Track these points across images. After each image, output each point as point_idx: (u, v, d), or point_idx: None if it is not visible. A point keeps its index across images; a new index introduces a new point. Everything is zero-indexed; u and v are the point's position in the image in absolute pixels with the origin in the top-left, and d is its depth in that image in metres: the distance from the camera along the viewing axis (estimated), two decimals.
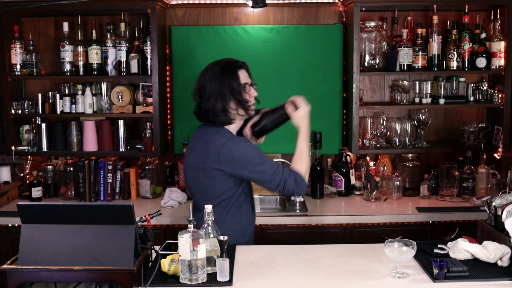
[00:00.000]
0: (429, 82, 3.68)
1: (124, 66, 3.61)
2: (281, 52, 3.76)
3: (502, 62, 3.57)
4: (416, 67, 3.61)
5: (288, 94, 3.78)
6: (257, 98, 2.58)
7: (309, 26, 3.79)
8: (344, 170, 3.70)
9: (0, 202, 3.58)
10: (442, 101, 3.65)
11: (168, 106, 3.83)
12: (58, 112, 3.66)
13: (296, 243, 2.68)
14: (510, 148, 3.59)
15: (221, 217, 2.50)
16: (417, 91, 3.70)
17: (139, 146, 3.72)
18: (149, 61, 3.59)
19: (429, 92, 3.68)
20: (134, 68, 3.59)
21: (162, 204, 3.55)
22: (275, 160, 3.55)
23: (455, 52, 3.57)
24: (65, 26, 3.64)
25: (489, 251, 2.24)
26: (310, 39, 3.75)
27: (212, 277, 2.12)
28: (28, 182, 3.77)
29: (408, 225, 3.32)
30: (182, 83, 3.77)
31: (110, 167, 3.68)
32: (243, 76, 2.51)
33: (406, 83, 3.68)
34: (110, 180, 3.69)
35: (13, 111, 3.67)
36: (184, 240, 2.02)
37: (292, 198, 3.49)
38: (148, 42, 3.57)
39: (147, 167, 3.76)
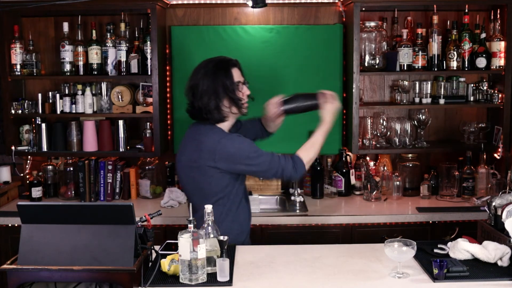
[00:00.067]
0: (429, 82, 3.68)
1: (124, 66, 3.61)
2: (281, 52, 3.76)
3: (502, 62, 3.57)
4: (416, 67, 3.61)
5: (287, 94, 3.80)
6: (250, 96, 2.59)
7: (309, 26, 3.79)
8: (344, 170, 3.70)
9: (0, 202, 3.58)
10: (442, 101, 3.65)
11: (168, 106, 3.83)
12: (58, 112, 3.66)
13: (296, 243, 2.68)
14: (510, 148, 3.59)
15: (221, 216, 2.51)
16: (417, 91, 3.70)
17: (139, 146, 3.72)
18: (149, 61, 3.59)
19: (429, 92, 3.68)
20: (134, 68, 3.59)
21: (162, 204, 3.55)
22: None
23: (455, 52, 3.57)
24: (65, 26, 3.64)
25: (489, 251, 2.24)
26: (310, 39, 3.75)
27: (212, 277, 2.12)
28: (28, 182, 3.77)
29: (408, 225, 3.32)
30: (182, 83, 3.72)
31: (110, 167, 3.68)
32: (236, 74, 2.52)
33: (406, 83, 3.68)
34: (110, 180, 3.69)
35: (13, 111, 3.67)
36: (184, 240, 2.02)
37: (291, 193, 3.50)
38: (148, 42, 3.57)
39: (147, 167, 3.76)
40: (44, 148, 3.68)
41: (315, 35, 3.75)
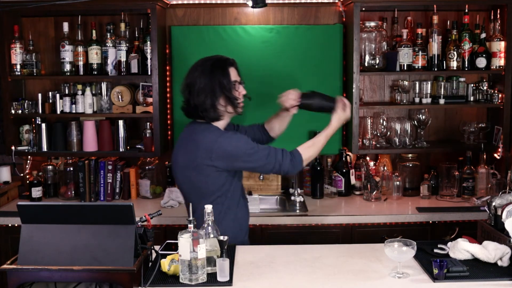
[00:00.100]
0: (429, 82, 3.68)
1: (124, 66, 3.61)
2: (281, 52, 3.76)
3: (502, 62, 3.57)
4: (416, 67, 3.61)
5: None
6: (246, 95, 2.61)
7: (309, 26, 3.79)
8: (344, 170, 3.70)
9: (0, 202, 3.58)
10: (442, 101, 3.65)
11: (168, 106, 3.82)
12: (58, 112, 3.66)
13: (296, 243, 2.68)
14: (510, 148, 3.59)
15: (220, 215, 2.51)
16: (417, 91, 3.70)
17: (139, 146, 3.72)
18: (149, 61, 3.59)
19: (429, 92, 3.68)
20: (134, 68, 3.59)
21: (162, 204, 3.55)
22: None
23: (455, 52, 3.57)
24: (65, 26, 3.64)
25: (489, 251, 2.24)
26: (310, 39, 3.75)
27: (212, 277, 2.12)
28: (28, 182, 3.77)
29: (408, 225, 3.32)
30: None
31: (110, 167, 3.68)
32: (233, 74, 2.53)
33: (406, 83, 3.68)
34: (110, 180, 3.69)
35: (13, 111, 3.67)
36: (184, 240, 2.02)
37: (291, 193, 3.50)
38: (148, 42, 3.57)
39: (147, 167, 3.76)
40: (44, 148, 3.68)
41: (315, 35, 3.75)
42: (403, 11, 3.78)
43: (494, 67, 3.59)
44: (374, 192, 3.59)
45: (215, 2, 3.79)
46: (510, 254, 2.22)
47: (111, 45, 3.62)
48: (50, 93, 3.71)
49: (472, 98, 3.74)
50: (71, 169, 3.72)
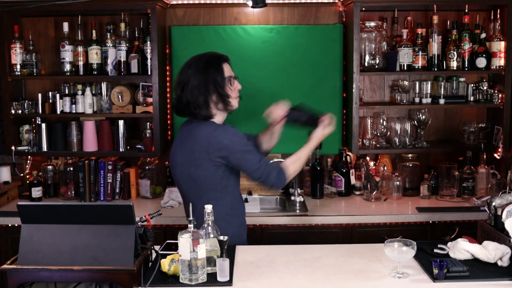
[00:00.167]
0: (429, 82, 3.68)
1: (124, 66, 3.61)
2: (281, 52, 3.76)
3: (502, 62, 3.57)
4: (416, 67, 3.61)
5: (288, 94, 3.79)
6: (240, 91, 2.60)
7: (309, 26, 3.79)
8: (344, 170, 3.70)
9: (0, 202, 3.58)
10: (442, 101, 3.65)
11: (168, 106, 3.82)
12: (58, 112, 3.66)
13: (296, 243, 2.68)
14: (510, 148, 3.59)
15: (221, 211, 2.50)
16: (417, 91, 3.70)
17: (139, 146, 3.72)
18: (149, 61, 3.59)
19: (429, 92, 3.68)
20: (134, 68, 3.59)
21: (162, 204, 3.55)
22: (275, 160, 3.55)
23: (455, 52, 3.57)
24: (65, 26, 3.64)
25: (489, 251, 2.24)
26: (310, 39, 3.75)
27: (212, 277, 2.12)
28: (28, 182, 3.77)
29: (408, 225, 3.32)
30: None
31: (110, 167, 3.68)
32: (227, 70, 2.54)
33: (406, 83, 3.68)
34: (110, 180, 3.69)
35: (13, 111, 3.67)
36: (184, 240, 2.02)
37: (291, 193, 3.49)
38: (148, 42, 3.57)
39: (147, 167, 3.76)
40: (44, 148, 3.68)
41: (315, 35, 3.75)
42: (403, 11, 3.78)
43: (494, 67, 3.59)
44: (374, 192, 3.59)
45: (215, 2, 3.79)
46: (510, 254, 2.22)
47: (111, 45, 3.62)
48: (50, 93, 3.71)
49: (472, 98, 3.74)
50: (71, 169, 3.72)
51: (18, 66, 3.65)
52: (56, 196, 3.79)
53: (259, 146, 2.88)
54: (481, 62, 3.57)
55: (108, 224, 2.04)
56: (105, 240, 2.02)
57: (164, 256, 2.19)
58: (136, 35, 3.69)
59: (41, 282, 2.12)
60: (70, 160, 3.75)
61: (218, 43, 3.71)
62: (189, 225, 2.07)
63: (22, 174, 3.85)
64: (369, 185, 3.61)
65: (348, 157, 3.75)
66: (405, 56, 3.58)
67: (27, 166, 3.89)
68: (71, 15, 3.72)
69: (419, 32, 3.62)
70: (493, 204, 2.46)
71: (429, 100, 3.67)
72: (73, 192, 3.72)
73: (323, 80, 3.77)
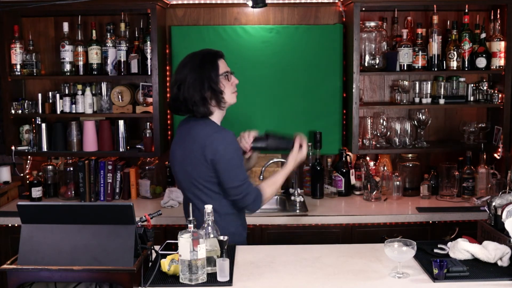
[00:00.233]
0: (429, 82, 3.68)
1: (124, 66, 3.61)
2: (281, 52, 3.76)
3: (502, 62, 3.57)
4: (416, 67, 3.61)
5: (288, 94, 3.80)
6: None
7: (309, 26, 3.79)
8: (344, 170, 3.70)
9: (0, 202, 3.58)
10: (442, 101, 3.65)
11: (167, 104, 3.82)
12: (58, 112, 3.67)
13: (296, 243, 2.68)
14: (510, 148, 3.59)
15: (222, 210, 2.49)
16: (417, 91, 3.70)
17: (139, 146, 3.72)
18: (149, 61, 3.59)
19: (429, 92, 3.68)
20: (134, 68, 3.59)
21: (162, 204, 3.55)
22: (275, 160, 3.55)
23: (455, 52, 3.57)
24: (65, 26, 3.64)
25: (489, 251, 2.24)
26: (310, 39, 3.75)
27: (212, 277, 2.12)
28: (28, 182, 3.77)
29: (408, 225, 3.32)
30: None
31: (110, 167, 3.68)
32: (222, 66, 2.53)
33: (406, 83, 3.68)
34: (110, 180, 3.69)
35: (13, 111, 3.67)
36: (184, 240, 2.02)
37: (291, 193, 3.49)
38: (148, 42, 3.57)
39: (147, 167, 3.76)
40: (44, 148, 3.68)
41: (315, 35, 3.75)
42: (403, 11, 3.78)
43: (494, 67, 3.59)
44: (374, 192, 3.59)
45: (215, 2, 3.79)
46: (510, 254, 2.22)
47: (111, 45, 3.62)
48: (50, 93, 3.71)
49: (472, 98, 3.74)
50: (71, 169, 3.72)
51: (18, 66, 3.65)
52: (56, 196, 3.79)
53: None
54: (481, 62, 3.57)
55: (108, 224, 2.04)
56: (105, 240, 2.02)
57: (164, 256, 2.19)
58: (136, 35, 3.69)
59: (41, 282, 2.12)
60: (70, 160, 3.75)
61: (218, 43, 3.71)
62: (189, 225, 2.07)
63: (22, 174, 3.85)
64: (369, 185, 3.61)
65: (348, 157, 3.75)
66: (405, 56, 3.58)
67: (27, 166, 3.89)
68: (71, 15, 3.72)
69: (419, 32, 3.62)
70: (493, 204, 2.46)
71: (429, 100, 3.67)
72: (73, 192, 3.72)
73: (323, 80, 3.77)
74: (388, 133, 3.72)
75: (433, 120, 3.82)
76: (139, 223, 2.20)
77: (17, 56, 3.63)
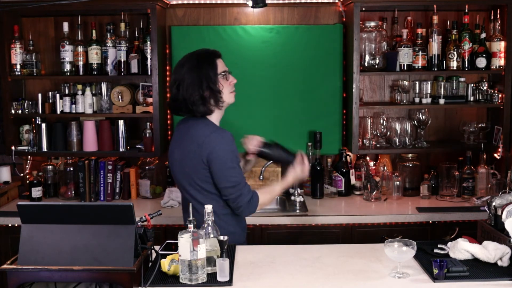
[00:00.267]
0: (429, 82, 3.68)
1: (124, 66, 3.61)
2: (281, 52, 3.76)
3: (502, 62, 3.57)
4: (416, 67, 3.61)
5: (288, 94, 3.80)
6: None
7: (309, 26, 3.79)
8: (344, 170, 3.70)
9: (0, 202, 3.58)
10: (442, 101, 3.65)
11: (167, 104, 3.82)
12: (58, 112, 3.67)
13: (296, 243, 2.68)
14: (510, 148, 3.59)
15: (220, 210, 2.49)
16: (417, 91, 3.70)
17: (139, 146, 3.72)
18: (149, 61, 3.59)
19: (429, 92, 3.68)
20: (134, 68, 3.59)
21: (162, 204, 3.55)
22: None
23: (455, 52, 3.57)
24: (65, 26, 3.64)
25: (489, 251, 2.24)
26: (310, 39, 3.75)
27: (212, 277, 2.11)
28: (28, 182, 3.77)
29: (408, 225, 3.32)
30: None
31: (110, 167, 3.68)
32: (220, 65, 2.54)
33: (406, 83, 3.68)
34: (110, 180, 3.69)
35: (13, 111, 3.67)
36: (184, 240, 2.02)
37: (291, 193, 3.49)
38: (148, 42, 3.57)
39: (147, 167, 3.76)
40: (44, 148, 3.68)
41: (315, 35, 3.75)
42: (403, 11, 3.78)
43: (494, 67, 3.59)
44: (374, 192, 3.59)
45: (215, 2, 3.79)
46: (510, 254, 2.22)
47: (111, 45, 3.62)
48: (50, 93, 3.71)
49: (472, 98, 3.74)
50: (71, 169, 3.72)
51: (18, 66, 3.65)
52: (56, 196, 3.79)
53: None
54: (481, 62, 3.57)
55: (108, 224, 2.04)
56: (105, 240, 2.02)
57: (164, 256, 2.19)
58: (136, 35, 3.69)
59: (41, 282, 2.12)
60: (70, 160, 3.75)
61: (218, 43, 3.71)
62: (189, 225, 2.07)
63: (22, 174, 3.85)
64: (369, 185, 3.61)
65: (348, 157, 3.75)
66: (405, 56, 3.58)
67: (27, 166, 3.89)
68: (71, 15, 3.72)
69: (419, 32, 3.62)
70: (493, 204, 2.46)
71: (429, 100, 3.67)
72: (73, 192, 3.72)
73: (323, 80, 3.77)
74: (388, 133, 3.72)
75: (433, 120, 3.82)
76: (139, 223, 2.20)
77: (17, 56, 3.63)
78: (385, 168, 3.72)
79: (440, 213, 3.34)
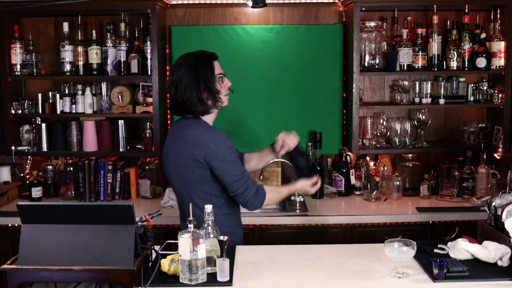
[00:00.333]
0: (429, 82, 3.68)
1: (124, 66, 3.61)
2: (281, 52, 3.76)
3: (502, 62, 3.57)
4: (416, 67, 3.61)
5: (288, 94, 3.80)
6: (230, 88, 2.61)
7: (309, 26, 3.79)
8: (344, 170, 3.70)
9: (0, 202, 3.58)
10: (442, 101, 3.65)
11: (168, 106, 3.82)
12: (58, 112, 3.67)
13: (296, 243, 2.68)
14: (510, 148, 3.59)
15: (215, 211, 2.49)
16: (417, 91, 3.70)
17: (139, 146, 3.72)
18: (149, 61, 3.59)
19: (429, 92, 3.68)
20: (134, 68, 3.59)
21: (162, 204, 3.55)
22: (275, 160, 3.55)
23: (455, 52, 3.57)
24: (65, 26, 3.64)
25: (489, 251, 2.24)
26: (310, 39, 3.75)
27: (212, 277, 2.12)
28: (28, 182, 3.77)
29: (408, 225, 3.32)
30: None
31: (110, 167, 3.68)
32: (217, 67, 2.55)
33: (406, 83, 3.68)
34: (110, 180, 3.69)
35: (13, 111, 3.67)
36: (184, 240, 2.02)
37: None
38: (148, 42, 3.57)
39: (147, 167, 3.76)
40: (44, 148, 3.68)
41: (315, 35, 3.75)
42: (403, 11, 3.78)
43: (494, 67, 3.59)
44: (374, 192, 3.59)
45: (215, 2, 3.79)
46: (510, 254, 2.22)
47: (111, 45, 3.62)
48: (50, 93, 3.71)
49: (472, 98, 3.74)
50: (71, 169, 3.72)
51: (18, 66, 3.65)
52: (56, 196, 3.79)
53: (245, 162, 2.88)
54: (481, 62, 3.57)
55: (108, 224, 2.04)
56: (105, 240, 2.02)
57: (164, 256, 2.19)
58: (136, 35, 3.69)
59: (41, 282, 2.12)
60: (70, 160, 3.75)
61: (218, 43, 3.71)
62: (189, 225, 2.07)
63: (22, 174, 3.85)
64: (369, 185, 3.61)
65: (348, 157, 3.75)
66: (405, 56, 3.58)
67: (27, 166, 3.89)
68: (71, 15, 3.72)
69: (419, 32, 3.62)
70: (493, 204, 2.46)
71: (429, 100, 3.67)
72: (73, 192, 3.72)
73: (323, 80, 3.77)
74: (388, 133, 3.72)
75: (433, 120, 3.82)
76: (139, 223, 2.20)
77: (17, 56, 3.63)
78: (385, 168, 3.72)
79: (440, 213, 3.34)
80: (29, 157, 3.85)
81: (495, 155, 3.69)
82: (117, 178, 3.70)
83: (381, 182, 3.65)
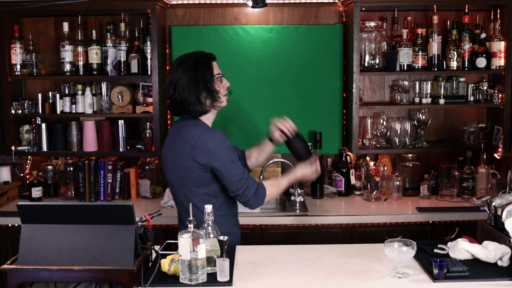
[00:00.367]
0: (429, 82, 3.68)
1: (124, 66, 3.61)
2: (281, 52, 3.76)
3: (502, 62, 3.57)
4: (416, 67, 3.61)
5: (288, 94, 3.80)
6: (228, 89, 2.61)
7: (309, 26, 3.79)
8: (344, 170, 3.70)
9: (0, 202, 3.58)
10: (442, 101, 3.65)
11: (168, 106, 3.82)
12: (58, 112, 3.67)
13: (296, 243, 2.68)
14: (510, 148, 3.59)
15: (213, 212, 2.49)
16: (417, 91, 3.70)
17: (139, 146, 3.72)
18: (149, 61, 3.59)
19: (429, 92, 3.68)
20: (134, 68, 3.59)
21: (162, 204, 3.55)
22: (275, 160, 3.56)
23: (455, 52, 3.57)
24: (65, 26, 3.64)
25: (489, 251, 2.24)
26: (310, 39, 3.75)
27: (212, 277, 2.12)
28: (28, 182, 3.77)
29: (408, 225, 3.32)
30: None
31: (110, 167, 3.68)
32: (215, 67, 2.56)
33: (406, 83, 3.68)
34: (110, 180, 3.69)
35: (13, 111, 3.67)
36: (184, 240, 2.02)
37: (291, 193, 3.49)
38: (148, 42, 3.57)
39: (147, 167, 3.76)
40: (44, 148, 3.68)
41: (315, 35, 3.75)
42: (403, 11, 3.78)
43: (494, 67, 3.59)
44: (374, 192, 3.59)
45: (215, 2, 3.79)
46: (510, 254, 2.22)
47: (111, 45, 3.62)
48: (50, 93, 3.71)
49: (472, 98, 3.74)
50: (71, 169, 3.72)
51: (18, 66, 3.65)
52: (56, 196, 3.79)
53: (245, 161, 2.88)
54: (481, 62, 3.57)
55: (108, 224, 2.04)
56: (105, 240, 2.02)
57: (164, 256, 2.19)
58: (136, 35, 3.69)
59: (41, 282, 2.12)
60: (70, 160, 3.75)
61: (218, 43, 3.71)
62: (189, 225, 2.07)
63: (22, 174, 3.85)
64: (369, 185, 3.61)
65: (348, 157, 3.75)
66: (405, 56, 3.58)
67: (27, 166, 3.89)
68: (71, 15, 3.72)
69: (419, 32, 3.62)
70: (493, 204, 2.46)
71: (429, 100, 3.67)
72: (73, 192, 3.72)
73: (323, 80, 3.77)
74: (388, 133, 3.72)
75: (433, 120, 3.82)
76: (139, 223, 2.20)
77: (17, 56, 3.63)
78: (385, 168, 3.72)
79: (440, 213, 3.34)
80: (29, 157, 3.85)
81: (495, 155, 3.69)
82: (117, 178, 3.70)
83: (381, 182, 3.65)
